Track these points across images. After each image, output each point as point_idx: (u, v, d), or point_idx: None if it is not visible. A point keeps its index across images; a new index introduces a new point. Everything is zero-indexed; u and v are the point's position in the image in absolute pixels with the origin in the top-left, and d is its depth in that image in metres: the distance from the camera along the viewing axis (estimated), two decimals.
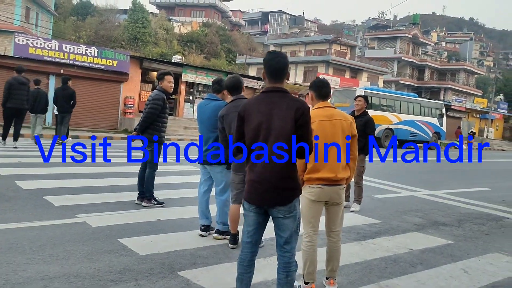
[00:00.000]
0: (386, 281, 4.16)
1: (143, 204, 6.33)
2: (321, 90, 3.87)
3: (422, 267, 4.64)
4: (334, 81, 35.65)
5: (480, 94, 62.31)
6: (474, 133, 37.74)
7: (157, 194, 6.64)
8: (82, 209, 5.88)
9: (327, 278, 3.88)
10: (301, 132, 2.90)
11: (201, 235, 5.12)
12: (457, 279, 4.37)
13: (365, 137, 7.06)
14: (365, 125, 7.02)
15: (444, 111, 29.86)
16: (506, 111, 54.83)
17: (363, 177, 7.38)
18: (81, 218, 5.43)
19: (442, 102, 33.42)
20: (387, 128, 24.90)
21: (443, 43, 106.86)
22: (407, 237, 5.79)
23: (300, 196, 3.11)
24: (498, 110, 53.36)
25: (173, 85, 6.45)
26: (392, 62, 58.24)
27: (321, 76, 29.86)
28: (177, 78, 24.63)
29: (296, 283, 3.66)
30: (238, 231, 4.65)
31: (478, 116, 48.65)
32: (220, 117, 4.66)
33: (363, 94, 18.45)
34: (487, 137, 45.31)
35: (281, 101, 2.94)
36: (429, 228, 6.39)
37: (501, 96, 58.40)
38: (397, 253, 5.07)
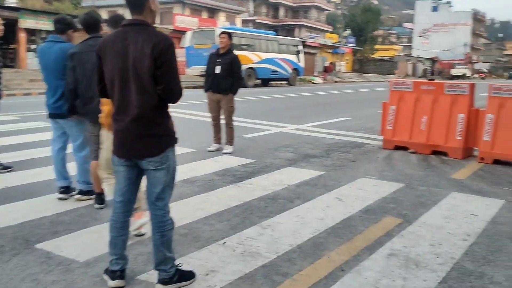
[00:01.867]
0: (268, 221, 4.07)
1: None
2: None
3: (300, 201, 4.65)
4: (192, 22, 34.71)
5: (331, 30, 65.97)
6: (326, 67, 40.27)
7: (2, 157, 5.76)
8: None
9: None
10: (160, 72, 2.49)
11: (60, 199, 4.51)
12: (333, 208, 4.46)
13: (232, 75, 6.81)
14: (231, 63, 6.75)
15: (301, 47, 30.98)
16: (355, 45, 59.05)
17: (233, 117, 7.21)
18: None
19: (298, 39, 34.65)
20: (249, 68, 25.13)
21: None
22: (282, 173, 5.80)
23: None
24: (347, 44, 57.23)
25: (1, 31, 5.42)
26: (248, 1, 58.45)
27: (177, 18, 28.77)
28: (13, 24, 21.76)
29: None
30: (103, 189, 4.15)
31: (330, 51, 51.65)
32: (70, 55, 3.98)
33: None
34: (339, 70, 48.50)
35: (138, 36, 2.49)
36: (301, 161, 6.50)
37: (349, 31, 62.48)
38: (275, 190, 5.03)
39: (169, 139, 2.67)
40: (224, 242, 3.58)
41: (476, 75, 71.05)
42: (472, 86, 6.80)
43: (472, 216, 4.27)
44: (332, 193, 4.97)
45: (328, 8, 71.61)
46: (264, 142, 8.01)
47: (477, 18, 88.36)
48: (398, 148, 7.28)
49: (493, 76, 76.95)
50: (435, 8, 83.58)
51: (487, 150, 6.40)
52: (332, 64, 43.66)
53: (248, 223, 4.03)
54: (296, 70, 29.83)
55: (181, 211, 4.16)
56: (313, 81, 35.71)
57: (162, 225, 2.72)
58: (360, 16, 63.15)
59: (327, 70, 40.42)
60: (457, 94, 6.78)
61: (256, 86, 25.86)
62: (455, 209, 4.49)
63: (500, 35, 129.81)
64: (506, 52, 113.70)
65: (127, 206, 2.79)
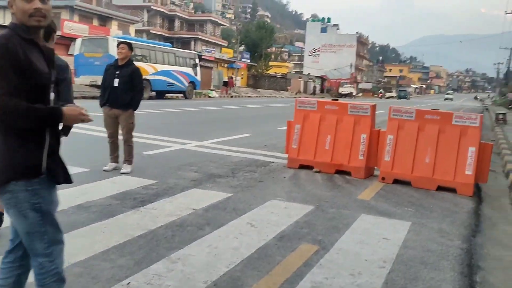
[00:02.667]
0: (177, 253, 3.67)
1: None
2: None
3: (210, 228, 4.30)
4: (82, 29, 32.82)
5: (226, 45, 66.68)
6: (227, 81, 40.39)
7: None
8: None
9: None
10: None
11: None
12: (247, 235, 4.18)
13: (133, 89, 6.29)
14: (131, 76, 6.23)
15: (197, 61, 30.72)
16: (249, 61, 60.23)
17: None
18: None
19: (195, 52, 34.39)
20: (144, 79, 24.17)
21: None
22: (188, 196, 5.41)
23: None
24: (243, 59, 58.20)
25: None
26: (142, 11, 57.05)
27: (65, 23, 26.98)
28: None
29: None
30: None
31: (226, 65, 52.06)
32: None
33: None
34: (235, 85, 49.00)
35: None
36: (207, 182, 6.15)
37: (243, 47, 63.67)
38: (182, 215, 4.63)
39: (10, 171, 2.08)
40: (129, 283, 3.11)
41: (360, 94, 76.66)
42: (373, 107, 7.01)
43: (384, 240, 4.24)
44: (244, 217, 4.69)
45: (223, 23, 72.48)
46: (166, 160, 7.53)
47: (361, 41, 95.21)
48: (302, 167, 7.25)
49: (374, 95, 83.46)
50: (323, 30, 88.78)
51: (387, 170, 6.59)
52: (232, 78, 43.97)
53: (155, 256, 3.59)
54: (192, 83, 29.45)
55: (74, 245, 3.58)
56: (210, 95, 35.59)
57: (42, 278, 2.19)
58: (255, 33, 64.73)
59: (228, 84, 40.48)
60: (359, 114, 6.94)
61: (151, 98, 25.03)
62: (367, 232, 4.45)
63: (380, 57, 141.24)
64: (386, 74, 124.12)
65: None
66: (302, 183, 6.46)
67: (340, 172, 7.03)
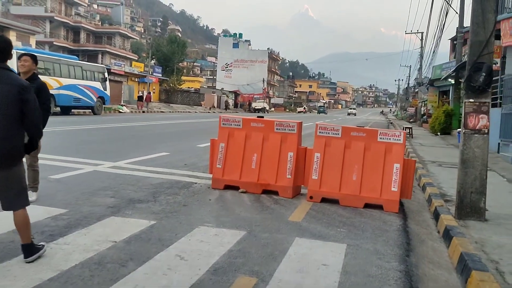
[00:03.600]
0: None
1: None
2: None
3: (134, 264, 3.81)
4: None
5: (136, 59, 64.85)
6: (142, 96, 38.80)
7: None
8: None
9: None
10: None
11: None
12: (177, 270, 3.75)
13: (40, 107, 5.58)
14: (38, 92, 5.51)
15: (106, 75, 29.42)
16: (161, 75, 59.03)
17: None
18: None
19: (104, 66, 32.94)
20: None
21: (95, 6, 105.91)
22: (105, 226, 4.84)
23: None
24: (154, 74, 56.88)
25: None
26: (44, 22, 53.80)
27: None
28: None
29: None
30: None
31: (137, 80, 50.54)
32: None
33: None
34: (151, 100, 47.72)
35: None
36: (126, 208, 5.60)
37: (155, 61, 62.35)
38: (100, 250, 4.08)
39: None
40: None
41: (273, 109, 78.47)
42: (300, 125, 6.88)
43: (324, 267, 4.01)
44: (171, 249, 4.25)
45: (133, 36, 70.55)
46: (77, 184, 6.82)
47: (272, 56, 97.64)
48: (228, 187, 6.92)
49: (286, 110, 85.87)
50: (235, 45, 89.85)
51: (315, 189, 6.46)
52: (150, 93, 42.49)
53: None
54: (102, 98, 28.08)
55: None
56: (120, 110, 34.19)
57: None
58: (166, 47, 63.74)
59: (144, 99, 38.89)
60: (286, 132, 6.77)
61: (55, 114, 23.42)
62: (305, 259, 4.20)
63: (291, 73, 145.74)
64: (296, 89, 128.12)
65: None
66: (229, 205, 6.11)
67: (267, 191, 6.79)
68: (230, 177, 6.87)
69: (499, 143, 13.78)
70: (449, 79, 28.51)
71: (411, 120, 44.61)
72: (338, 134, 6.53)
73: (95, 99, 27.16)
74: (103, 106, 28.92)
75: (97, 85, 27.65)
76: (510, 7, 16.14)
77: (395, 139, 6.32)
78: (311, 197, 6.46)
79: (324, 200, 6.50)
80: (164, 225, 4.98)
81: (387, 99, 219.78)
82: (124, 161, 9.15)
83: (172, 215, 5.44)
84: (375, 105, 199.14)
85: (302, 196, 6.79)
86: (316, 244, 4.68)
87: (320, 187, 6.43)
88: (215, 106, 62.35)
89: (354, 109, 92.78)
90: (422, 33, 46.81)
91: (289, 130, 6.75)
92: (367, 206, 6.31)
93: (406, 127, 21.84)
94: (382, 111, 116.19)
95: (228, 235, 4.77)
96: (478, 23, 5.81)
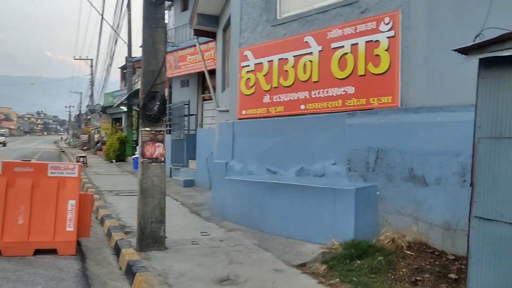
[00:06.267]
0: None
1: None
2: None
3: None
4: None
5: None
6: None
7: None
8: None
9: None
10: None
11: None
12: None
13: None
14: None
15: None
16: None
17: None
18: None
19: None
20: None
21: None
22: None
23: None
24: None
25: None
26: None
27: None
28: None
29: None
30: None
31: None
32: None
33: None
34: None
35: None
36: None
37: None
38: None
39: None
40: None
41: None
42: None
43: None
44: None
45: None
46: None
47: None
48: None
49: None
50: None
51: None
52: None
53: None
54: None
55: None
56: None
57: None
58: None
59: None
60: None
61: None
62: None
63: None
64: None
65: None
66: None
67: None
68: None
69: (171, 168, 14.85)
70: (122, 107, 29.35)
71: (85, 147, 43.69)
72: None
73: None
74: None
75: None
76: (173, 41, 17.78)
77: (68, 173, 5.69)
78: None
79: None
80: None
81: (58, 126, 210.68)
82: None
83: None
84: (45, 133, 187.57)
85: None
86: None
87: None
88: None
89: (2, 136, 65.02)
90: (91, 59, 46.95)
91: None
92: (38, 252, 5.43)
93: (80, 156, 21.05)
94: (56, 140, 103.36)
95: None
96: (150, 53, 5.83)
